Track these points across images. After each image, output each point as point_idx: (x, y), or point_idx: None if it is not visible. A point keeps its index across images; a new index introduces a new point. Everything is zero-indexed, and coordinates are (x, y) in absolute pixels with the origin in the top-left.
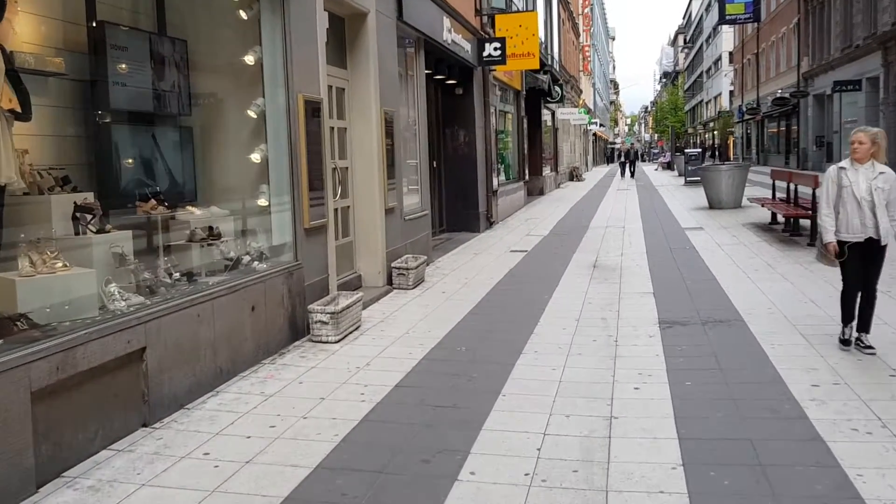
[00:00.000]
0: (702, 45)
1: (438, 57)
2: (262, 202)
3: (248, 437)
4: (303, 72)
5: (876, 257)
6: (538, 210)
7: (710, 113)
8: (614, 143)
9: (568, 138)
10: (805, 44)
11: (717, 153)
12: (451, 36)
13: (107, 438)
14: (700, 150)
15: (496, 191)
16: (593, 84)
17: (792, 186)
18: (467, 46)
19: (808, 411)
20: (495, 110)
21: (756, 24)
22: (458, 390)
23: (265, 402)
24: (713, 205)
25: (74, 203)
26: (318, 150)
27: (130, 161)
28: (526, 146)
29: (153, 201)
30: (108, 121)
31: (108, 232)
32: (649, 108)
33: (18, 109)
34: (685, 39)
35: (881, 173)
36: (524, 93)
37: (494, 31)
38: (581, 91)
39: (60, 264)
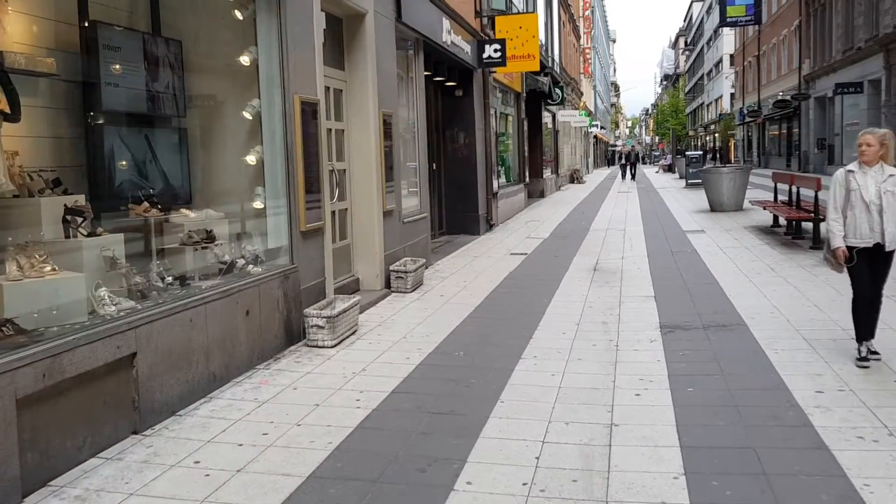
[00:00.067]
0: (703, 47)
1: (438, 58)
2: (258, 204)
3: (241, 445)
4: (299, 73)
5: (883, 263)
6: (538, 212)
7: (711, 115)
8: (615, 146)
9: (568, 141)
10: (806, 46)
11: (718, 156)
12: (450, 37)
13: (96, 446)
14: (701, 152)
15: (496, 193)
16: (594, 86)
17: (794, 189)
18: (467, 48)
19: (812, 419)
20: (495, 112)
21: (757, 27)
22: (456, 396)
23: (258, 408)
24: (714, 207)
25: (65, 206)
26: (315, 151)
27: (124, 163)
28: (526, 148)
29: (146, 204)
30: (100, 122)
31: (100, 235)
32: (650, 111)
33: (7, 110)
34: (686, 42)
35: (890, 176)
36: (524, 95)
37: (494, 33)
38: (582, 93)
39: (49, 268)
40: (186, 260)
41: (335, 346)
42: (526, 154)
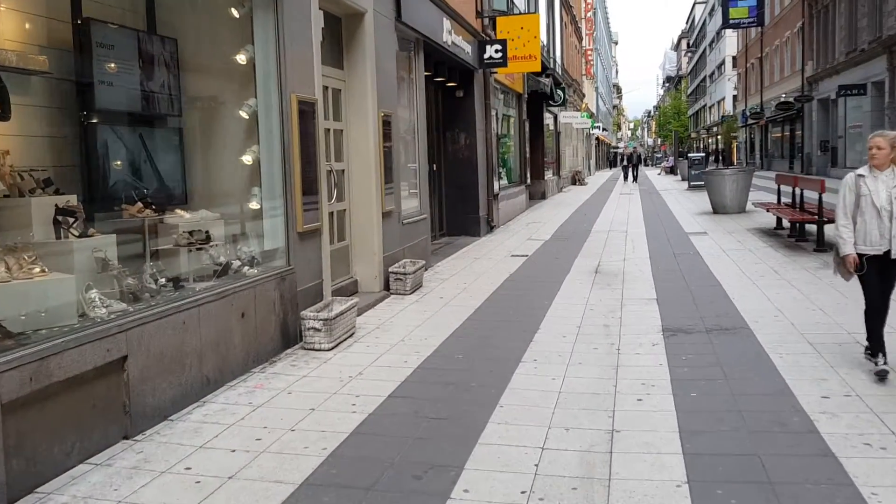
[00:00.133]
0: (705, 49)
1: (438, 59)
2: (254, 205)
3: (233, 451)
4: (296, 72)
5: (892, 271)
6: (540, 214)
7: (714, 117)
8: (617, 148)
9: (570, 142)
10: (809, 48)
11: (720, 158)
12: (451, 37)
13: (84, 452)
14: (704, 154)
15: (497, 194)
16: (596, 88)
17: (797, 191)
18: (468, 48)
19: (818, 425)
20: (497, 113)
21: (760, 29)
22: (454, 401)
23: (253, 412)
24: (717, 209)
25: (56, 206)
26: (313, 151)
27: (118, 163)
28: (528, 150)
29: (140, 204)
30: (94, 121)
31: (92, 236)
32: (652, 113)
33: None
34: (688, 44)
35: None
36: (526, 96)
37: (495, 34)
38: (584, 95)
39: (38, 269)
40: (181, 261)
41: (332, 349)
42: (527, 155)
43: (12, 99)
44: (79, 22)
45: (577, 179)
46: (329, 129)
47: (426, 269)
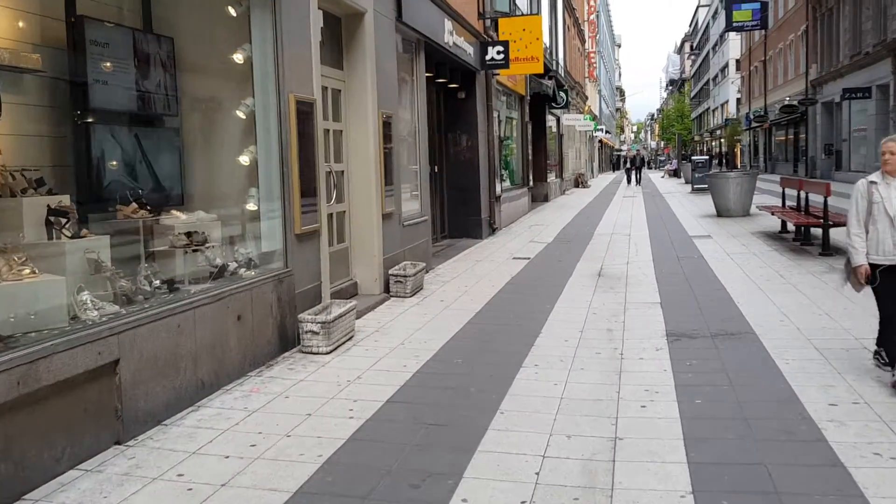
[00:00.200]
0: (708, 52)
1: (440, 60)
2: (252, 206)
3: (227, 457)
4: (295, 71)
5: None
6: (542, 216)
7: (717, 120)
8: (620, 150)
9: (573, 144)
10: (813, 51)
11: (724, 161)
12: (452, 38)
13: (75, 458)
14: (707, 157)
15: (499, 197)
16: (599, 91)
17: (802, 194)
18: (470, 49)
19: (826, 433)
20: (499, 115)
21: (763, 32)
22: (454, 407)
23: (248, 417)
24: (721, 213)
25: (48, 206)
26: (311, 152)
27: (112, 163)
28: (530, 152)
29: (135, 205)
30: (88, 120)
31: (84, 237)
32: (655, 116)
33: None
34: (692, 47)
35: None
36: (529, 98)
37: (497, 35)
38: (587, 97)
39: (28, 271)
40: (176, 263)
41: (330, 352)
42: (530, 157)
43: (4, 97)
44: (73, 20)
45: (579, 182)
46: (328, 130)
47: (427, 272)
